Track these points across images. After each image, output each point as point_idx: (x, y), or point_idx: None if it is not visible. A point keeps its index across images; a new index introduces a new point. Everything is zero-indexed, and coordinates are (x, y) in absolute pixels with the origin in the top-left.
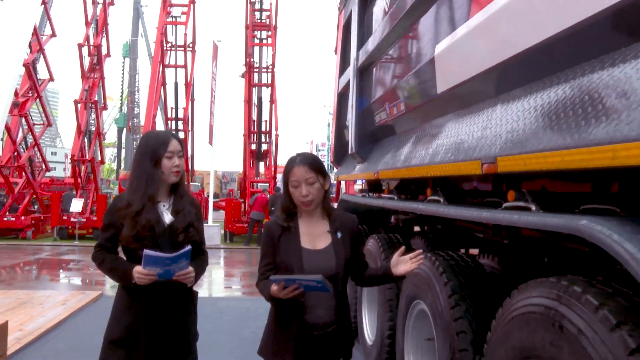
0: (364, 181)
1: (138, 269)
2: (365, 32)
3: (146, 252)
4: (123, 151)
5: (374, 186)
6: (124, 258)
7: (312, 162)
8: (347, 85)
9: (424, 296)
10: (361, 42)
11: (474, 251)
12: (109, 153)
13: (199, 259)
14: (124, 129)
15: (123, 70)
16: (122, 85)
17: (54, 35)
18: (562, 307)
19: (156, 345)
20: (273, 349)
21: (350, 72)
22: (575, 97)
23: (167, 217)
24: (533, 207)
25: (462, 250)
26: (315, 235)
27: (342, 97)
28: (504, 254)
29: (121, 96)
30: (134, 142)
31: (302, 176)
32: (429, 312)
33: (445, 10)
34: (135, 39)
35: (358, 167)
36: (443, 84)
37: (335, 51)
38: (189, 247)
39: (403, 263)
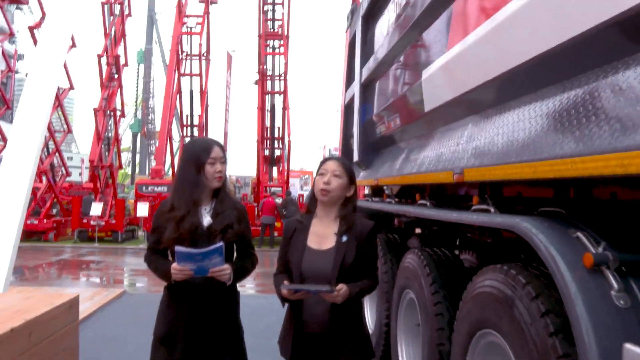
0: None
1: (173, 265)
2: (367, 51)
3: (177, 248)
4: (138, 156)
5: (376, 191)
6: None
7: (344, 162)
8: (352, 98)
9: (412, 286)
10: (364, 60)
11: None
12: (124, 158)
13: (245, 261)
14: (139, 134)
15: (137, 76)
16: (137, 91)
17: (74, 45)
18: (502, 285)
19: (196, 343)
20: (281, 339)
21: (355, 87)
22: (527, 120)
23: (206, 220)
24: (492, 210)
25: (457, 250)
26: (323, 236)
27: (348, 108)
28: (486, 252)
29: (136, 102)
30: (149, 148)
31: (331, 167)
32: (415, 300)
33: (430, 40)
34: (149, 46)
35: (362, 173)
36: (429, 104)
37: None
38: (221, 244)
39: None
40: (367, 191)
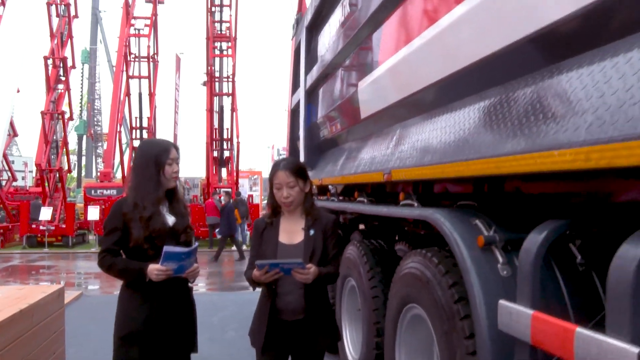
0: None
1: (155, 267)
2: (311, 60)
3: (166, 247)
4: (83, 158)
5: (322, 190)
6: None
7: (293, 168)
8: (298, 103)
9: (352, 274)
10: (308, 68)
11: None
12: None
13: None
14: (84, 136)
15: (82, 76)
16: (82, 92)
17: (76, 16)
18: (421, 266)
19: (167, 337)
20: (252, 330)
21: (300, 93)
22: (442, 129)
23: (170, 219)
24: (415, 204)
25: (395, 242)
26: (292, 232)
27: (294, 113)
28: (418, 242)
29: (81, 103)
30: (95, 150)
31: (284, 180)
32: (356, 287)
33: (364, 55)
34: (94, 47)
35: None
36: (364, 112)
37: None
38: (197, 245)
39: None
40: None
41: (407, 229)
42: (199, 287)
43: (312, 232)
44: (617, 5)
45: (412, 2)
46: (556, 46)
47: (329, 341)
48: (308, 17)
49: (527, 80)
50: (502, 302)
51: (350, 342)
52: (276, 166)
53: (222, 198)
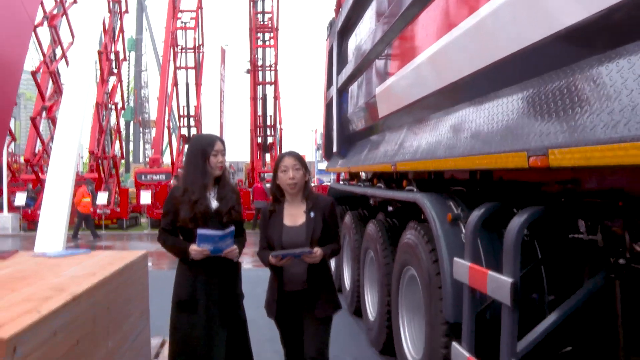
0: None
1: (193, 247)
2: (342, 61)
3: (200, 230)
4: (131, 144)
5: (352, 175)
6: (181, 238)
7: (297, 156)
8: (332, 99)
9: (371, 247)
10: (339, 69)
11: None
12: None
13: (240, 237)
14: (131, 122)
15: (129, 65)
16: (129, 80)
17: (75, 2)
18: (413, 237)
19: (212, 305)
20: (267, 302)
21: (332, 90)
22: (442, 129)
23: (214, 203)
24: (415, 189)
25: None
26: (295, 215)
27: (329, 106)
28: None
29: (127, 90)
30: (143, 136)
31: (290, 163)
32: (374, 257)
33: (383, 64)
34: (140, 36)
35: (340, 162)
36: (381, 112)
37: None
38: (232, 228)
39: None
40: (347, 176)
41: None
42: (246, 263)
43: (312, 214)
44: None
45: (419, 22)
46: (535, 61)
47: (330, 309)
48: (339, 22)
49: (497, 94)
50: (455, 259)
51: (370, 303)
52: (282, 155)
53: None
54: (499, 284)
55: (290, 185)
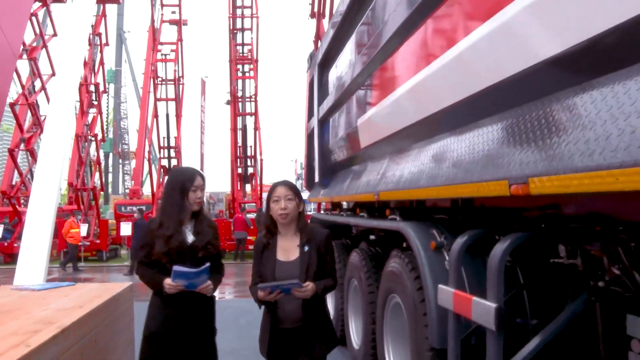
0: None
1: (167, 281)
2: (323, 93)
3: (175, 268)
4: (110, 175)
5: (334, 205)
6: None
7: (291, 185)
8: (313, 130)
9: (355, 276)
10: (320, 100)
11: None
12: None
13: (217, 272)
14: (110, 154)
15: (108, 96)
16: (107, 111)
17: (53, 74)
18: (397, 265)
19: (184, 339)
20: (260, 340)
21: (314, 121)
22: (422, 160)
23: (190, 237)
24: (398, 218)
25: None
26: (288, 249)
27: (310, 137)
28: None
29: (107, 122)
30: (123, 167)
31: (282, 193)
32: (358, 286)
33: (362, 96)
34: (119, 68)
35: (322, 192)
36: (363, 142)
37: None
38: (208, 265)
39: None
40: (328, 206)
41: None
42: (228, 294)
43: (306, 248)
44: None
45: (398, 54)
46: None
47: (326, 348)
48: (320, 54)
49: (477, 124)
50: (440, 285)
51: (355, 331)
52: (275, 184)
53: (135, 215)
54: (484, 309)
55: (282, 216)
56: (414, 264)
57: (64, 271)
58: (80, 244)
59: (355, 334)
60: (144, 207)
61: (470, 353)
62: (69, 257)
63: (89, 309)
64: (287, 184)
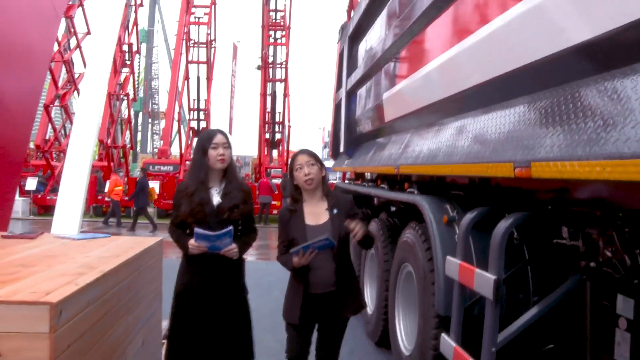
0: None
1: (191, 242)
2: (351, 65)
3: (196, 229)
4: (139, 134)
5: (357, 176)
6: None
7: (311, 152)
8: (340, 101)
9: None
10: (349, 73)
11: None
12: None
13: (248, 236)
14: (140, 113)
15: (140, 56)
16: (139, 70)
17: (89, 32)
18: (411, 235)
19: (209, 299)
20: (287, 308)
21: (342, 92)
22: (442, 136)
23: (216, 199)
24: (415, 192)
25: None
26: (316, 214)
27: (337, 108)
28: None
29: (137, 81)
30: (152, 127)
31: (304, 160)
32: (374, 255)
33: (389, 72)
34: (152, 29)
35: (346, 162)
36: (387, 117)
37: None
38: (230, 228)
39: (357, 230)
40: (352, 175)
41: None
42: (250, 256)
43: (335, 211)
44: None
45: (426, 34)
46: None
47: (355, 309)
48: (350, 27)
49: (491, 108)
50: (448, 257)
51: (369, 297)
52: (296, 154)
53: (138, 175)
54: (484, 280)
55: (307, 182)
56: (426, 236)
57: (107, 227)
58: (108, 199)
59: (369, 300)
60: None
61: (473, 322)
62: (110, 213)
63: (124, 258)
64: (306, 151)
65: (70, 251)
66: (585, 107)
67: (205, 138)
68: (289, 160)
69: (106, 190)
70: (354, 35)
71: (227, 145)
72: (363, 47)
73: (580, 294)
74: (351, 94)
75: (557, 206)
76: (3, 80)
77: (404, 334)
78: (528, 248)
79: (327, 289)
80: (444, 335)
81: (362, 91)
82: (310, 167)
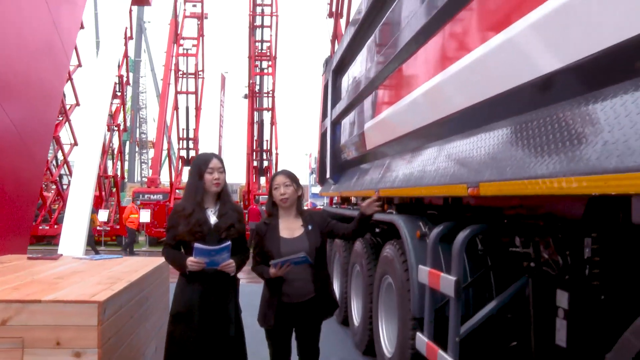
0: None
1: (190, 258)
2: (335, 97)
3: (196, 245)
4: (126, 163)
5: (344, 200)
6: (183, 252)
7: (289, 173)
8: (326, 130)
9: (357, 262)
10: (333, 104)
11: None
12: (110, 165)
13: (241, 253)
14: (127, 142)
15: (128, 86)
16: (126, 100)
17: (80, 65)
18: (391, 251)
19: (208, 318)
20: (261, 314)
21: (327, 121)
22: (414, 163)
23: (213, 219)
24: (393, 212)
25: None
26: (291, 229)
27: (323, 137)
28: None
29: (124, 110)
30: (140, 156)
31: (281, 181)
32: (360, 271)
33: (369, 104)
34: (139, 59)
35: (332, 187)
36: (369, 145)
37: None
38: (228, 243)
39: (370, 207)
40: (339, 200)
41: None
42: (243, 278)
43: (310, 227)
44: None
45: (399, 72)
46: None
47: (330, 311)
48: (334, 62)
49: (450, 139)
50: (420, 266)
51: (356, 311)
52: (275, 174)
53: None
54: (447, 282)
55: (283, 200)
56: (403, 250)
57: (126, 254)
58: (100, 228)
59: (356, 314)
60: (159, 196)
61: (444, 322)
62: (129, 242)
63: (142, 273)
64: (284, 172)
65: (93, 268)
66: (518, 138)
67: (202, 162)
68: (270, 178)
69: (99, 220)
70: (337, 69)
71: (222, 169)
72: (346, 81)
73: (526, 291)
74: (336, 124)
75: (511, 219)
76: (20, 113)
77: (386, 339)
78: (490, 257)
79: (301, 298)
80: (418, 334)
81: (345, 121)
82: (286, 188)
